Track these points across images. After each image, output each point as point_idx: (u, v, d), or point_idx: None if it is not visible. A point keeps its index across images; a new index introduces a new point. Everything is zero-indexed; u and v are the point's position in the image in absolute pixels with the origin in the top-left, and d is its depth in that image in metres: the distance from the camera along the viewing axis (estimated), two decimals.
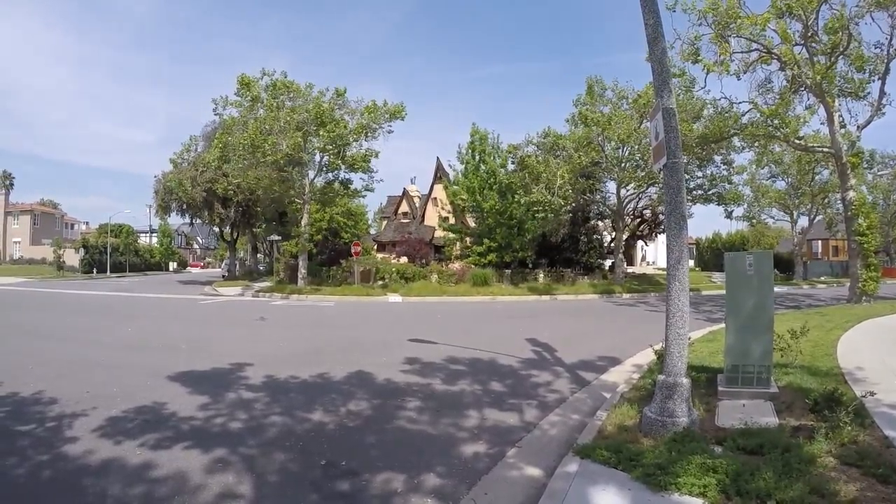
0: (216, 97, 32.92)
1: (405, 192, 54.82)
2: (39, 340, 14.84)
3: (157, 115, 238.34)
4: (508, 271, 35.55)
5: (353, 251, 34.74)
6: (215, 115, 34.10)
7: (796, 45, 22.61)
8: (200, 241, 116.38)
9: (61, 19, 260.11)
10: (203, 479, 5.34)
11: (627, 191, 37.46)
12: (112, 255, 67.38)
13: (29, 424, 7.19)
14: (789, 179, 47.89)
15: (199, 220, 54.49)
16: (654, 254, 65.13)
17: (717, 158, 34.83)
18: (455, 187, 39.80)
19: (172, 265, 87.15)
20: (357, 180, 35.53)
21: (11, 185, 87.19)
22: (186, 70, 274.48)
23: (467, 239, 39.87)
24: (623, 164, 34.83)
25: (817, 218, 51.67)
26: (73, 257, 66.70)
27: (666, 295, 6.15)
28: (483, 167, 37.39)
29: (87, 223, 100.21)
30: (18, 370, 10.40)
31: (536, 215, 33.41)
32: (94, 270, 63.81)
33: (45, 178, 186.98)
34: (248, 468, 5.58)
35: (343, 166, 33.85)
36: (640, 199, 39.67)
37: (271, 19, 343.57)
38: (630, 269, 46.21)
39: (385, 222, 59.38)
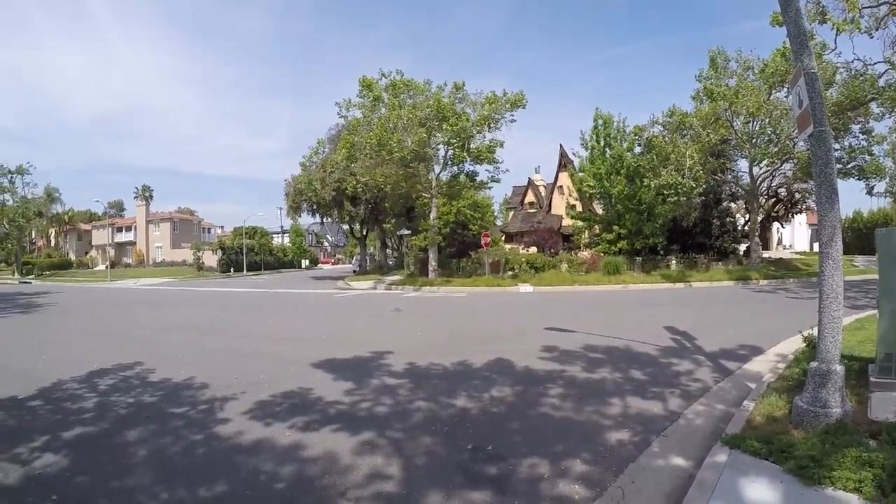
0: (339, 100, 33.86)
1: (530, 182, 54.36)
2: (186, 333, 15.89)
3: (281, 125, 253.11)
4: (639, 258, 34.42)
5: (483, 242, 34.64)
6: (340, 117, 34.97)
7: None
8: (330, 238, 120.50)
9: (184, 44, 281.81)
10: (352, 460, 5.42)
11: (760, 168, 34.91)
12: (247, 255, 71.49)
13: (182, 407, 7.63)
14: None
15: (328, 219, 56.45)
16: (790, 237, 61.40)
17: (855, 128, 31.91)
18: (581, 174, 38.94)
19: (304, 262, 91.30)
20: (482, 172, 35.49)
21: (151, 196, 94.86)
22: (306, 80, 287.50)
23: (596, 227, 38.94)
24: (754, 140, 32.67)
25: None
26: (211, 258, 71.38)
27: (819, 275, 5.66)
28: (609, 152, 36.41)
29: (221, 227, 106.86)
30: (169, 359, 11.09)
31: (667, 199, 32.08)
32: (232, 270, 67.70)
33: (181, 189, 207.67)
34: (396, 451, 5.61)
35: (468, 159, 33.91)
36: (773, 176, 36.87)
37: (382, 25, 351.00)
38: (766, 254, 43.57)
39: (511, 213, 59.16)
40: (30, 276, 65.76)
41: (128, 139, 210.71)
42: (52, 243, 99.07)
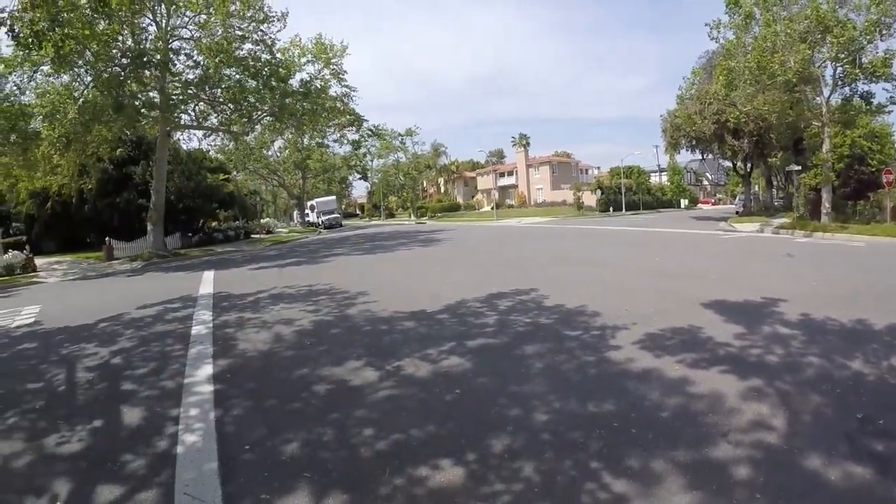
0: (708, 21, 31.96)
1: None
2: (574, 265, 17.62)
3: (647, 60, 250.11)
4: None
5: (884, 181, 29.90)
6: (711, 40, 32.86)
7: None
8: (709, 176, 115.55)
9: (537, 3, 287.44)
10: (737, 403, 5.53)
11: None
12: (625, 194, 72.30)
13: (576, 331, 8.57)
14: None
15: (709, 155, 54.31)
16: None
17: None
18: None
19: (683, 202, 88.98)
20: (879, 92, 30.39)
21: (528, 143, 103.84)
22: (666, 11, 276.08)
23: None
24: None
25: None
26: (590, 198, 74.75)
27: None
28: None
29: (598, 168, 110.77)
30: (561, 287, 12.44)
31: None
32: (611, 209, 69.42)
33: (555, 135, 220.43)
34: (782, 402, 5.53)
35: (861, 76, 29.05)
36: None
37: None
38: None
39: None
40: (423, 218, 77.94)
41: (501, 96, 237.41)
42: (442, 190, 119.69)
